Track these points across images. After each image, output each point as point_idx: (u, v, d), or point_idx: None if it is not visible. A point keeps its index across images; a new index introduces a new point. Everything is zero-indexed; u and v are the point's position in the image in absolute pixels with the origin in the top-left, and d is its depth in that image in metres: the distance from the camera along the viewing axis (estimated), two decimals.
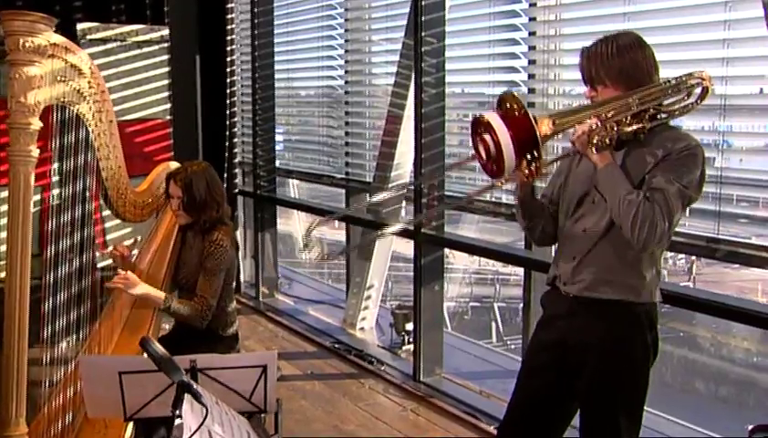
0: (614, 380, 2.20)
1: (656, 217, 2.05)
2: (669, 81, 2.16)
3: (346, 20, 5.44)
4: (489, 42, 4.19)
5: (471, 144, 2.12)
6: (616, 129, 2.12)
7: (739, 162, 3.22)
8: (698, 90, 2.16)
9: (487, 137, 2.02)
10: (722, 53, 3.05)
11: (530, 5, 4.03)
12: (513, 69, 4.15)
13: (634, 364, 2.21)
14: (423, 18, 4.17)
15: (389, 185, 4.96)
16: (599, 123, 2.09)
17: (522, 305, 4.32)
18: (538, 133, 1.97)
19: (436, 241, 4.28)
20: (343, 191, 5.77)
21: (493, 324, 13.24)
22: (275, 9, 6.02)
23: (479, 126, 2.05)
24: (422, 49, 4.21)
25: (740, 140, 3.31)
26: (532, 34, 4.02)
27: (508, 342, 11.59)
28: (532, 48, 4.02)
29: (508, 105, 2.04)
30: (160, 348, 1.73)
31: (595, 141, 2.10)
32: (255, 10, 5.96)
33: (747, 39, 3.01)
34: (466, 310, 13.99)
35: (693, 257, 11.51)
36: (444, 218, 4.35)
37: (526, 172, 2.03)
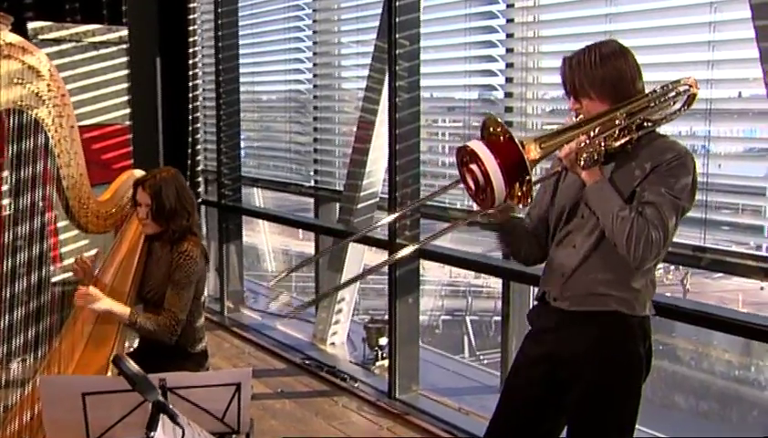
0: (606, 391, 2.21)
1: (650, 232, 2.08)
2: (655, 91, 2.19)
3: (314, 21, 5.44)
4: (465, 44, 4.21)
5: (459, 175, 2.11)
6: (604, 144, 2.14)
7: (718, 168, 3.28)
8: (684, 97, 2.20)
9: (474, 167, 2.02)
10: (707, 55, 3.09)
11: (507, 6, 4.05)
12: (491, 73, 4.18)
13: (627, 376, 2.23)
14: (397, 19, 4.17)
15: (361, 194, 4.96)
16: (587, 140, 2.12)
17: (500, 317, 4.33)
18: (527, 158, 1.98)
19: (412, 252, 4.27)
20: (311, 200, 5.77)
21: (465, 338, 13.29)
22: (239, 9, 5.99)
23: (464, 155, 2.06)
24: (396, 52, 4.21)
25: (723, 145, 3.36)
26: (509, 36, 4.05)
27: (481, 357, 11.64)
28: (509, 51, 4.05)
29: (491, 129, 2.05)
30: (134, 365, 1.70)
31: (583, 158, 2.12)
32: (219, 10, 5.93)
33: (733, 41, 3.06)
34: (437, 324, 14.05)
35: (687, 269, 11.67)
36: (419, 228, 4.35)
37: (519, 195, 2.04)
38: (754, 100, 3.12)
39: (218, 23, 5.95)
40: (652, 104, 2.17)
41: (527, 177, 1.98)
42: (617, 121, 2.13)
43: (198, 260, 2.93)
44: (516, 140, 1.98)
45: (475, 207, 2.23)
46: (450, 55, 4.45)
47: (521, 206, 2.15)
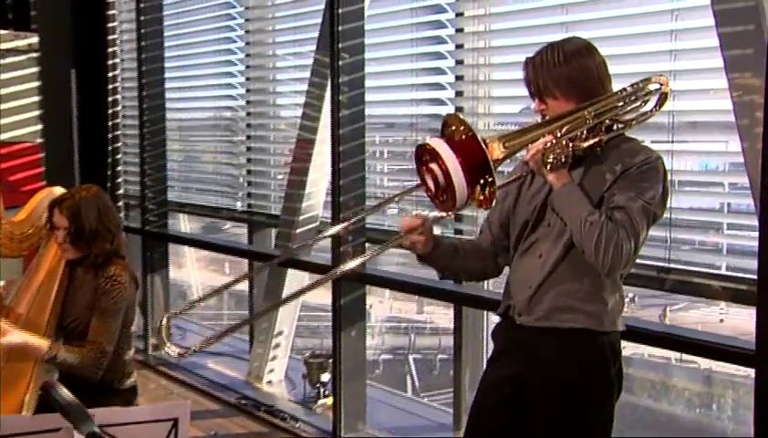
0: (576, 417, 2.24)
1: (620, 238, 2.11)
2: (625, 89, 2.26)
3: (247, 32, 5.42)
4: (412, 55, 4.24)
5: (417, 175, 2.14)
6: (571, 145, 2.18)
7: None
8: (655, 97, 2.27)
9: (434, 166, 2.04)
10: (669, 66, 3.18)
11: (457, 15, 4.10)
12: (439, 86, 4.22)
13: (598, 400, 2.27)
14: (340, 28, 4.19)
15: (300, 218, 4.94)
16: (554, 140, 2.15)
17: (444, 355, 4.35)
18: (490, 157, 2.00)
19: (356, 278, 4.27)
20: (244, 226, 5.71)
21: (408, 378, 13.29)
22: (164, 19, 5.91)
23: (424, 154, 2.08)
24: (339, 63, 4.23)
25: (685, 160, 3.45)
26: (459, 47, 4.11)
27: (425, 399, 11.64)
28: (459, 63, 4.10)
29: (453, 127, 2.07)
30: (67, 393, 1.65)
31: (550, 160, 2.16)
32: (142, 18, 5.85)
33: (696, 50, 3.15)
34: (377, 363, 14.03)
35: (667, 304, 11.89)
36: (365, 252, 4.34)
37: (481, 199, 2.06)
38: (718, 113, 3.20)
39: (141, 32, 5.88)
40: (621, 103, 2.23)
41: (490, 178, 2.00)
42: (584, 121, 2.17)
43: (127, 285, 2.88)
44: (479, 138, 2.01)
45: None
46: (395, 67, 4.49)
47: (483, 209, 2.17)
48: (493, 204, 2.09)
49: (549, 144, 2.15)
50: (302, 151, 4.94)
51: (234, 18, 5.52)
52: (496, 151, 2.07)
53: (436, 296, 4.31)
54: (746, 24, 2.82)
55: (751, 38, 2.82)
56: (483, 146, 1.99)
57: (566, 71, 2.22)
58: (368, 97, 4.34)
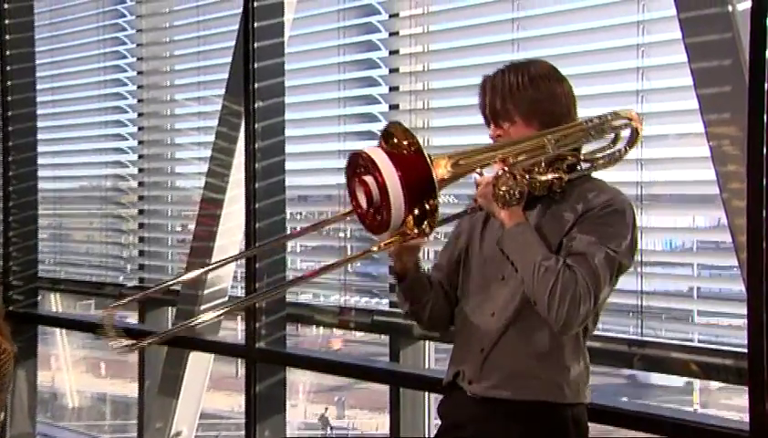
0: None
1: (579, 289, 2.16)
2: (591, 119, 2.33)
3: (139, 73, 5.42)
4: (339, 100, 4.32)
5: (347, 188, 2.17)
6: (528, 178, 2.25)
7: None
8: (625, 134, 2.36)
9: (368, 178, 2.07)
10: (636, 107, 3.31)
11: (390, 52, 4.21)
12: (371, 134, 4.30)
13: None
14: (257, 65, 4.26)
15: (205, 292, 4.91)
16: (506, 170, 2.21)
17: None
18: (435, 176, 2.04)
19: (276, 358, 4.26)
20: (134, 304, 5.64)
21: None
22: (35, 55, 5.88)
23: (358, 165, 2.11)
24: (255, 107, 4.28)
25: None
26: (394, 89, 4.21)
27: None
28: (394, 107, 4.19)
29: (395, 139, 2.10)
30: None
31: (502, 193, 2.20)
32: (7, 53, 5.80)
33: (667, 90, 3.31)
34: None
35: None
36: (285, 330, 4.35)
37: (416, 231, 2.09)
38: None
39: (6, 70, 5.84)
40: (586, 135, 2.31)
41: (433, 201, 2.04)
42: (544, 149, 2.24)
43: (12, 357, 2.85)
44: (425, 154, 2.04)
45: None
46: (320, 114, 4.57)
47: (425, 240, 2.17)
48: (431, 235, 2.11)
49: (501, 172, 2.20)
50: (207, 214, 4.94)
51: (125, 57, 5.52)
52: (442, 169, 2.10)
53: (367, 376, 4.31)
54: (722, 58, 2.95)
55: (728, 74, 2.95)
56: (429, 162, 2.02)
57: (531, 94, 2.31)
58: (288, 148, 4.41)
